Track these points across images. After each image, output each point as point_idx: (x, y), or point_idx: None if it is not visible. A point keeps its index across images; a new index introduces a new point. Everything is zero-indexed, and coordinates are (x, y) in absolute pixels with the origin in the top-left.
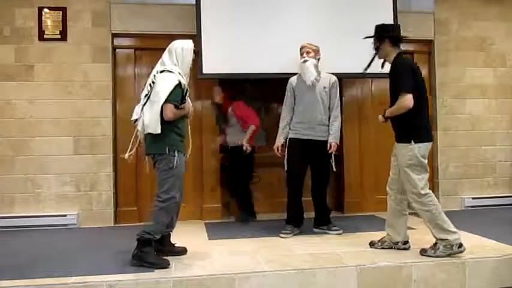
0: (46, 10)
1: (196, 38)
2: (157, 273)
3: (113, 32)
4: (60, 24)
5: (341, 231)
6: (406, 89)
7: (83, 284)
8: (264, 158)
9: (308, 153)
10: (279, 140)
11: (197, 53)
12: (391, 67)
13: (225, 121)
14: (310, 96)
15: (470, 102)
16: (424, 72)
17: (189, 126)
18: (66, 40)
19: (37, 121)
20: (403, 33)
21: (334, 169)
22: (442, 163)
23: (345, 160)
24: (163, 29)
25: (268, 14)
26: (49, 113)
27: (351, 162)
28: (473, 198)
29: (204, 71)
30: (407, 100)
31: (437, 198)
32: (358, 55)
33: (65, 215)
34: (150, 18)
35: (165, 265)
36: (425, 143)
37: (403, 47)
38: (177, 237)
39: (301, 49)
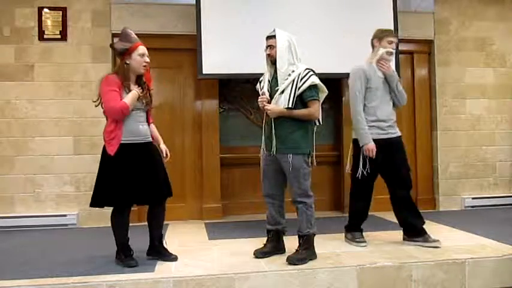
0: (46, 10)
1: (196, 38)
2: (157, 273)
3: (113, 32)
4: (60, 24)
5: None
6: None
7: (83, 284)
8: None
9: None
10: None
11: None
12: None
13: None
14: None
15: (470, 102)
16: (424, 72)
17: None
18: (66, 40)
19: (37, 121)
20: (402, 33)
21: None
22: (442, 163)
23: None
24: (163, 29)
25: (268, 13)
26: (49, 113)
27: None
28: (473, 198)
29: (204, 71)
30: None
31: (437, 198)
32: (358, 55)
33: (65, 215)
34: (150, 18)
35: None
36: None
37: (403, 46)
38: (178, 237)
39: None
